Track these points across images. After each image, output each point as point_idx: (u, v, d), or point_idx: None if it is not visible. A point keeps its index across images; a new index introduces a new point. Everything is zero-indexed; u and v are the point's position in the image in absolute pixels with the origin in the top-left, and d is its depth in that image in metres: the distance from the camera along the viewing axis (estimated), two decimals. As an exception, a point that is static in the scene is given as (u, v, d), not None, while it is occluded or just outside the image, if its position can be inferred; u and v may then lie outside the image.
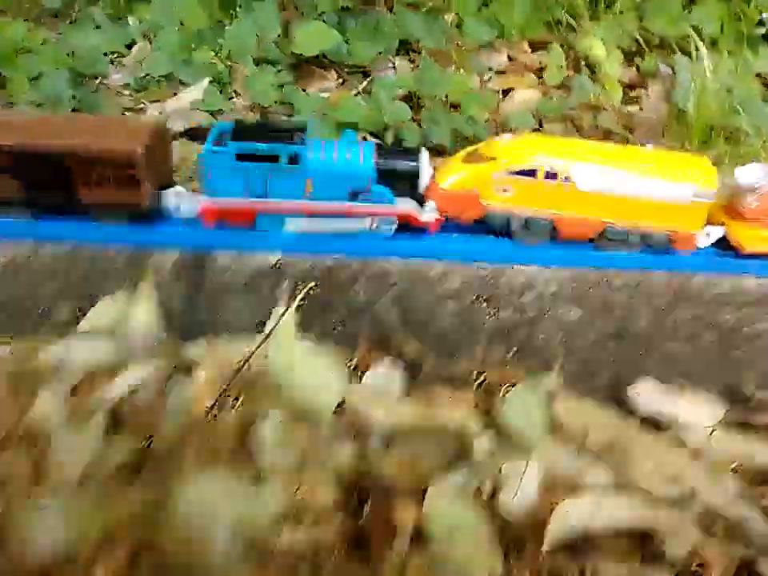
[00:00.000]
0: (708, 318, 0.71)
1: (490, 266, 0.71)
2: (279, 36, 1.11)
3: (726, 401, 0.69)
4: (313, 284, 0.68)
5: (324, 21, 1.14)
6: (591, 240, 0.70)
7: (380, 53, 1.18)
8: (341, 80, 1.15)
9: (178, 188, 0.71)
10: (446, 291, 0.72)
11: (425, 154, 0.70)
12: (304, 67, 1.13)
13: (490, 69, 1.18)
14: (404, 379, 0.68)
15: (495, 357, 0.70)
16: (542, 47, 1.21)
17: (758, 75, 1.13)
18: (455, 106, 1.07)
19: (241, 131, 0.67)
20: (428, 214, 0.71)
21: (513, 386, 0.67)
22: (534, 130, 1.05)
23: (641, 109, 1.11)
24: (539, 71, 1.18)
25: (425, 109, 1.05)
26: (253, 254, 0.70)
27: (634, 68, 1.19)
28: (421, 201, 0.71)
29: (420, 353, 0.70)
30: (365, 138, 0.98)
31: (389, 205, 0.69)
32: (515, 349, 0.71)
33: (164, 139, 0.72)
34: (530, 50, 1.23)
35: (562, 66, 1.16)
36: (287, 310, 0.66)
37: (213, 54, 1.07)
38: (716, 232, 0.70)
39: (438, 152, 0.97)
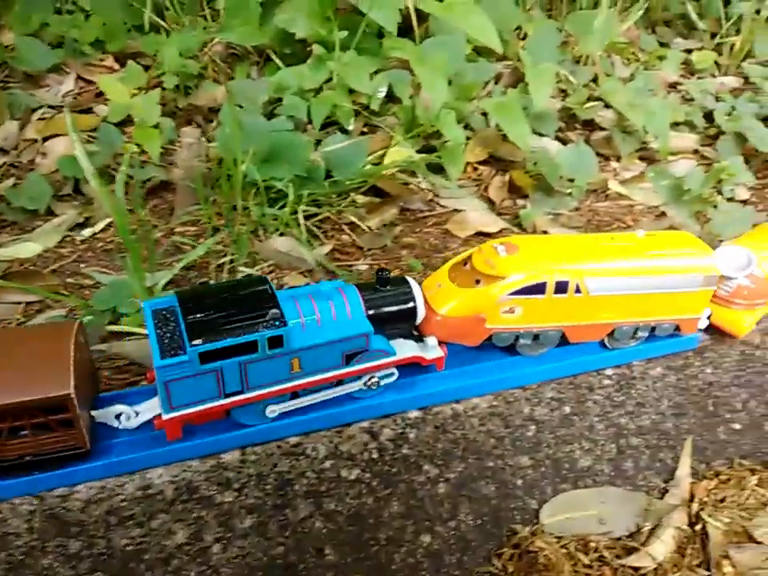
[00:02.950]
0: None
1: None
2: None
3: None
4: None
5: None
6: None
7: None
8: None
9: (119, 407, 0.54)
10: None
11: (414, 286, 0.59)
12: None
13: (41, 106, 0.92)
14: None
15: None
16: (129, 59, 0.97)
17: (353, 92, 0.89)
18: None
19: (192, 315, 0.51)
20: (433, 352, 0.60)
21: None
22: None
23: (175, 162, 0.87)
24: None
25: None
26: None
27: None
28: (411, 331, 0.61)
29: None
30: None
31: (390, 358, 0.58)
32: None
33: (84, 344, 0.54)
34: (115, 65, 0.99)
35: (138, 89, 0.92)
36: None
37: None
38: (707, 312, 0.67)
39: None
